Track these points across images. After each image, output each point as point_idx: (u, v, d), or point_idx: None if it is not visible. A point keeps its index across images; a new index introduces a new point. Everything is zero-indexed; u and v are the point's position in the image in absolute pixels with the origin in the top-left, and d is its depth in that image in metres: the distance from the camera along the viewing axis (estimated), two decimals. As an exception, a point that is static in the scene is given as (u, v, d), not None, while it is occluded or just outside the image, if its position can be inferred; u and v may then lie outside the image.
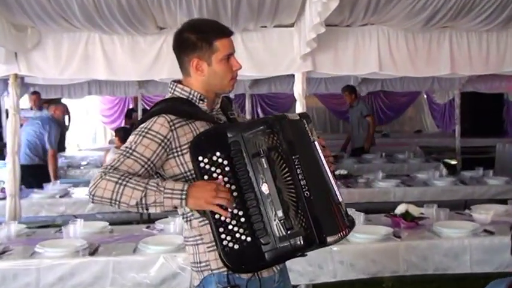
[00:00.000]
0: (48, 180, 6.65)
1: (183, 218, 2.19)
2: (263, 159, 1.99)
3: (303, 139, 2.13)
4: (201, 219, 2.11)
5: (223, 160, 2.02)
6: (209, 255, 2.11)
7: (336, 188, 2.12)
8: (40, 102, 8.64)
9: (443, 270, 3.72)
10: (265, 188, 1.98)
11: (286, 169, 2.01)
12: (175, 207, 2.01)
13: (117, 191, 1.93)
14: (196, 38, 2.15)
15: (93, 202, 1.99)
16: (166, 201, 1.94)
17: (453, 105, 11.14)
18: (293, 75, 5.15)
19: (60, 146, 11.57)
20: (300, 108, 5.02)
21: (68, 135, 12.89)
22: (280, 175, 2.00)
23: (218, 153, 2.02)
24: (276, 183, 1.99)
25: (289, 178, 2.00)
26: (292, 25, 5.00)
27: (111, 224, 4.33)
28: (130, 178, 1.95)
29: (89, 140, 15.33)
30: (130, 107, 13.86)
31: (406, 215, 4.03)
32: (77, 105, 13.39)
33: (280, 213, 1.97)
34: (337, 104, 15.17)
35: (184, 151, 2.08)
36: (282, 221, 1.96)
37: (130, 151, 2.03)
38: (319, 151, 2.15)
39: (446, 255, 3.72)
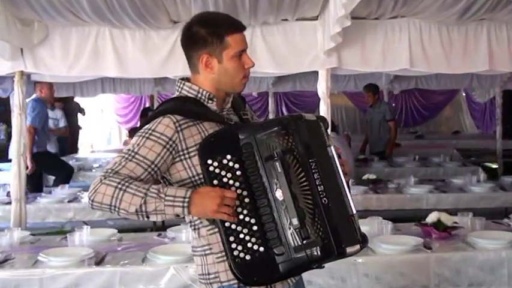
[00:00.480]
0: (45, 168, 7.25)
1: (190, 226, 2.17)
2: (277, 163, 1.96)
3: (320, 142, 2.09)
4: (209, 227, 2.09)
5: (234, 163, 2.00)
6: (218, 266, 2.09)
7: (350, 198, 2.09)
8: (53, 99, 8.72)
9: (478, 285, 3.63)
10: (279, 194, 1.95)
11: (303, 173, 1.97)
12: (178, 216, 1.97)
13: (116, 197, 1.91)
14: (207, 33, 2.12)
15: (92, 208, 1.97)
16: (167, 209, 1.92)
17: (494, 104, 11.02)
18: (317, 72, 5.10)
19: (73, 148, 11.75)
20: (324, 108, 4.98)
21: (81, 135, 13.04)
22: (296, 180, 1.96)
23: (229, 156, 2.00)
24: (291, 188, 1.95)
25: (305, 183, 1.97)
26: (315, 18, 4.96)
27: (122, 231, 4.33)
28: (130, 183, 1.93)
29: (103, 141, 15.50)
30: (147, 105, 13.92)
31: (438, 224, 3.95)
32: (91, 104, 13.54)
33: (295, 222, 1.93)
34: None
35: (192, 154, 2.06)
36: (297, 230, 1.93)
37: (133, 154, 2.01)
38: (335, 157, 2.11)
39: (481, 269, 3.63)
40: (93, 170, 8.25)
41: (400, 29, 5.02)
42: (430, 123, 16.52)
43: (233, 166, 1.99)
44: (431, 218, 4.03)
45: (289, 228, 1.94)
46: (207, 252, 2.11)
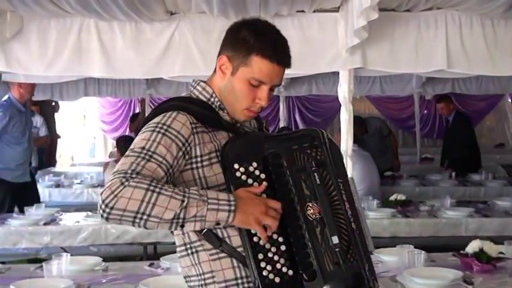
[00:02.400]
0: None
1: (184, 250, 2.12)
2: (315, 174, 2.02)
3: (341, 165, 2.18)
4: (213, 251, 2.06)
5: (260, 173, 2.02)
6: None
7: (368, 232, 2.16)
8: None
9: (527, 327, 3.60)
10: (311, 212, 2.00)
11: (335, 192, 2.04)
12: (218, 224, 1.93)
13: (148, 201, 1.82)
14: (243, 38, 2.11)
15: (108, 219, 1.84)
16: (210, 214, 1.89)
17: (546, 112, 10.98)
18: (338, 73, 5.09)
19: (51, 160, 11.75)
20: (346, 115, 4.98)
21: (60, 145, 13.03)
22: (330, 197, 2.03)
23: (255, 164, 2.03)
24: (329, 203, 2.01)
25: (337, 202, 2.03)
26: (336, 9, 4.99)
27: (107, 259, 4.30)
28: (163, 185, 1.87)
29: (85, 153, 15.51)
30: (137, 111, 13.97)
31: (481, 255, 3.91)
32: (72, 108, 13.58)
33: (335, 240, 1.98)
34: (397, 110, 15.06)
35: (205, 163, 2.06)
36: (337, 251, 1.98)
37: (150, 153, 1.94)
38: (355, 185, 2.21)
39: (532, 308, 3.59)
40: (74, 187, 8.24)
41: (435, 22, 5.03)
42: (468, 134, 16.47)
43: (259, 175, 2.02)
44: (473, 247, 3.99)
45: (323, 250, 1.97)
46: (208, 281, 2.08)
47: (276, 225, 1.95)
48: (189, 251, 2.11)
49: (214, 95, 2.16)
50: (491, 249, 3.93)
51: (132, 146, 1.99)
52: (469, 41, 5.01)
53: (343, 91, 5.02)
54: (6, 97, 6.81)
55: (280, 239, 1.99)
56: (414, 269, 3.82)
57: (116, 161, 7.04)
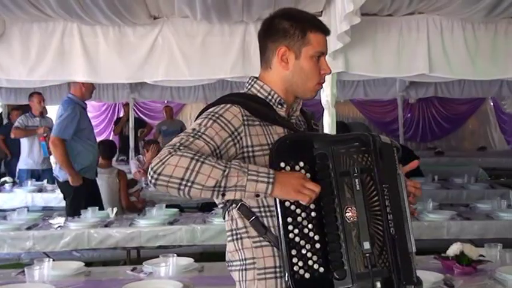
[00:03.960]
0: None
1: (231, 235, 2.25)
2: (356, 180, 2.08)
3: (392, 168, 2.22)
4: (257, 239, 2.17)
5: (306, 172, 2.09)
6: (259, 284, 2.17)
7: (412, 234, 2.19)
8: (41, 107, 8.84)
9: (508, 328, 3.62)
10: (349, 214, 2.07)
11: (376, 197, 2.10)
12: (258, 195, 2.03)
13: (193, 169, 1.95)
14: (290, 25, 2.26)
15: (155, 185, 1.98)
16: (249, 184, 1.99)
17: (528, 115, 11.06)
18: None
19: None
20: (328, 119, 4.98)
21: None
22: (370, 202, 2.09)
23: (302, 163, 2.10)
24: (366, 210, 2.08)
25: (377, 208, 2.10)
26: (319, 14, 4.98)
27: (90, 264, 4.28)
28: (206, 156, 2.00)
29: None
30: (121, 115, 13.92)
31: (462, 258, 3.92)
32: (55, 112, 13.46)
33: (366, 245, 2.05)
34: (380, 114, 15.12)
35: (257, 153, 2.17)
36: (367, 255, 2.04)
37: (199, 133, 2.08)
38: (404, 187, 2.23)
39: (513, 310, 3.61)
40: (57, 192, 8.18)
41: (417, 27, 5.05)
42: (451, 137, 16.57)
43: (304, 175, 2.08)
44: (453, 250, 4.00)
45: (355, 253, 2.05)
46: (249, 266, 2.19)
47: (312, 197, 2.02)
48: (235, 237, 2.23)
49: (272, 92, 2.29)
50: (472, 251, 3.94)
51: (187, 129, 2.16)
52: (451, 46, 5.03)
53: (326, 95, 5.02)
54: (66, 97, 6.59)
55: (316, 237, 2.06)
56: None
57: (99, 166, 6.98)
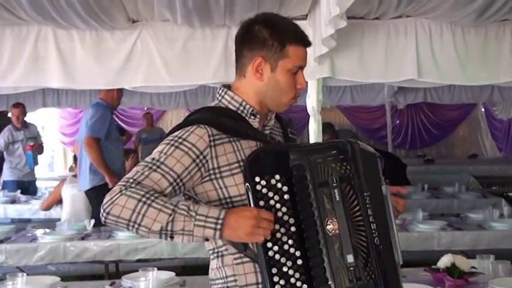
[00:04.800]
0: None
1: (212, 253, 2.25)
2: (335, 191, 2.06)
3: (374, 177, 2.21)
4: (237, 255, 2.17)
5: (282, 185, 2.08)
6: None
7: (398, 245, 2.18)
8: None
9: None
10: (331, 227, 2.05)
11: (358, 207, 2.09)
12: (207, 240, 2.05)
13: (139, 212, 1.98)
14: (269, 34, 2.21)
15: (105, 223, 2.03)
16: (196, 230, 2.00)
17: (520, 122, 11.13)
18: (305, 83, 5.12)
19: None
20: (314, 126, 4.99)
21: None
22: (351, 213, 2.07)
23: (278, 177, 2.08)
24: (347, 221, 2.05)
25: (359, 218, 2.08)
26: (304, 17, 5.01)
27: (66, 279, 4.25)
28: (156, 197, 2.01)
29: (43, 166, 15.30)
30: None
31: (453, 270, 3.92)
32: (29, 120, 13.39)
33: (350, 259, 2.03)
34: (368, 120, 15.15)
35: (224, 174, 2.15)
36: (352, 269, 2.03)
37: (158, 163, 2.09)
38: (389, 197, 2.20)
39: (505, 324, 3.62)
40: (32, 202, 8.14)
41: (405, 31, 5.08)
42: (441, 144, 16.60)
43: (281, 188, 2.08)
44: (444, 262, 4.00)
45: (339, 267, 2.04)
46: (231, 284, 2.19)
47: (267, 235, 2.01)
48: (216, 255, 2.23)
49: (244, 103, 2.26)
50: (464, 263, 3.95)
51: (147, 157, 2.15)
52: (440, 50, 5.06)
53: (312, 101, 5.04)
54: (96, 102, 6.65)
55: (297, 253, 2.05)
56: None
57: (74, 176, 6.97)
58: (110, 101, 6.47)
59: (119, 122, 13.62)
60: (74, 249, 5.30)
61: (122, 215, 1.99)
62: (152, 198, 1.99)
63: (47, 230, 5.80)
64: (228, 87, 2.32)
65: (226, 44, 4.97)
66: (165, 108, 13.21)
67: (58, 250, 5.29)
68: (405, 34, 5.05)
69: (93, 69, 4.96)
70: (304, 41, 2.26)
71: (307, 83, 5.15)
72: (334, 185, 2.06)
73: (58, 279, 4.13)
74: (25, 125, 8.90)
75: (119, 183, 2.04)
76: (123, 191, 2.00)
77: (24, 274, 3.92)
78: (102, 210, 2.00)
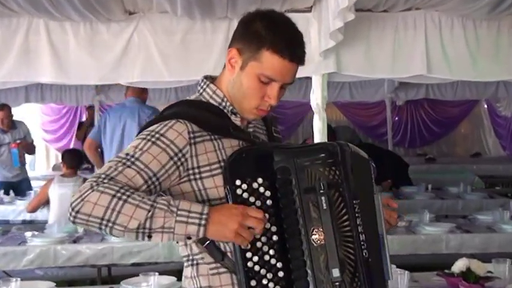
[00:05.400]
0: None
1: (187, 260, 2.18)
2: (323, 198, 2.01)
3: (365, 184, 2.17)
4: (213, 265, 2.10)
5: (265, 190, 2.03)
6: None
7: (388, 259, 2.13)
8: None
9: None
10: (316, 237, 2.00)
11: (346, 216, 2.03)
12: (189, 238, 1.98)
13: (114, 208, 1.88)
14: (254, 30, 2.12)
15: (74, 222, 1.92)
16: (178, 226, 1.91)
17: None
18: (308, 78, 5.12)
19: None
20: (319, 123, 4.99)
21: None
22: (338, 222, 2.02)
23: (260, 180, 2.03)
24: (334, 232, 2.00)
25: (347, 228, 2.03)
26: (309, 10, 5.01)
27: (56, 284, 4.23)
28: (132, 192, 1.92)
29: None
30: (83, 119, 13.80)
31: (468, 275, 3.94)
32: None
33: (336, 273, 1.98)
34: (366, 117, 15.16)
35: (204, 174, 2.09)
36: (337, 284, 1.98)
37: (132, 159, 2.00)
38: (380, 207, 2.16)
39: (524, 331, 3.65)
40: (16, 203, 8.09)
41: (414, 24, 5.08)
42: (442, 142, 16.58)
43: (263, 193, 2.03)
44: (459, 266, 4.00)
45: (324, 281, 1.98)
46: None
47: (256, 233, 1.95)
48: (190, 263, 2.16)
49: (225, 99, 2.19)
50: (479, 268, 3.95)
51: (120, 153, 2.05)
52: (450, 44, 5.06)
53: (317, 98, 5.04)
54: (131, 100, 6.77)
55: (279, 264, 1.99)
56: None
57: (63, 176, 6.96)
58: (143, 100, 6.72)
59: (105, 119, 13.56)
60: (66, 253, 5.29)
61: (94, 213, 1.88)
62: (128, 193, 1.90)
63: (36, 233, 5.77)
64: (211, 78, 2.25)
65: (227, 37, 4.94)
66: (154, 104, 13.00)
67: (48, 253, 5.27)
68: (414, 27, 5.06)
69: (87, 64, 4.94)
70: (288, 55, 2.09)
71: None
72: (322, 191, 2.00)
73: (53, 284, 4.12)
74: (13, 126, 8.75)
75: (89, 180, 1.94)
76: (95, 187, 1.90)
77: (18, 279, 3.92)
78: (70, 210, 1.90)
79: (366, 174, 2.16)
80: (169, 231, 1.90)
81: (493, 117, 16.05)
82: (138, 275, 4.07)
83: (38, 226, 6.43)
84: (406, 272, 3.99)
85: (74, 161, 7.11)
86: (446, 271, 4.11)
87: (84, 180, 6.89)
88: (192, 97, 2.23)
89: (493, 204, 7.63)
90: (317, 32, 4.89)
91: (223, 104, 2.18)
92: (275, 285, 1.98)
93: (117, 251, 5.28)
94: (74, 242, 5.45)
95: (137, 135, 2.11)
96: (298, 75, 5.20)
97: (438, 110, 15.89)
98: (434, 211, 7.17)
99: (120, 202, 1.88)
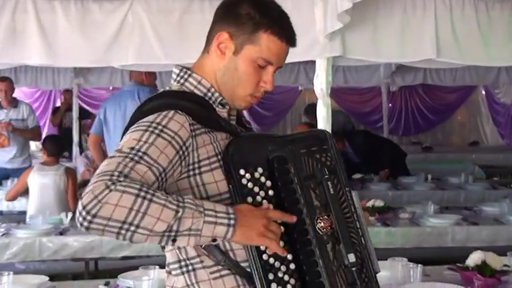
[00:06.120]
0: None
1: (178, 268, 2.10)
2: (329, 183, 2.05)
3: (345, 173, 2.19)
4: (214, 268, 2.05)
5: (266, 180, 2.04)
6: None
7: (373, 250, 2.18)
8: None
9: None
10: (321, 225, 2.03)
11: (346, 203, 2.09)
12: (214, 240, 1.92)
13: (138, 209, 1.77)
14: (247, 12, 2.11)
15: (88, 229, 1.78)
16: (206, 228, 1.86)
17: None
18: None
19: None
20: (323, 110, 4.99)
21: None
22: (342, 208, 2.08)
23: (260, 169, 2.04)
24: (343, 217, 2.06)
25: (348, 215, 2.08)
26: (312, -10, 4.98)
27: (53, 278, 4.24)
28: (154, 190, 1.82)
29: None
30: (57, 104, 13.75)
31: (484, 268, 3.97)
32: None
33: (352, 258, 2.02)
34: (358, 103, 15.20)
35: (203, 169, 2.04)
36: (354, 270, 2.03)
37: (140, 153, 1.90)
38: (358, 200, 2.20)
39: (543, 326, 3.69)
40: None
41: (423, 4, 5.07)
42: (437, 130, 16.70)
43: (265, 183, 2.04)
44: (474, 259, 4.03)
45: (334, 269, 2.01)
46: None
47: (277, 238, 1.96)
48: (185, 269, 2.08)
49: (212, 89, 2.15)
50: (495, 261, 3.98)
51: (119, 147, 1.95)
52: (461, 27, 5.05)
53: (321, 83, 5.01)
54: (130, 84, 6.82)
55: (289, 257, 2.00)
56: (411, 286, 3.85)
57: (43, 164, 6.93)
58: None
59: (82, 104, 13.54)
60: (52, 246, 5.29)
61: (115, 215, 1.76)
62: (151, 191, 1.80)
63: (17, 224, 5.75)
64: (187, 69, 2.20)
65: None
66: None
67: (33, 246, 5.27)
68: (423, 8, 5.04)
69: (78, 45, 4.90)
70: (285, 36, 2.12)
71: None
72: (326, 177, 2.05)
73: (46, 278, 4.13)
74: (14, 104, 8.53)
75: (100, 178, 1.80)
76: (111, 186, 1.77)
77: (11, 273, 3.92)
78: (83, 213, 1.76)
79: (343, 163, 2.19)
80: (196, 234, 1.85)
81: (491, 104, 16.14)
82: (127, 269, 4.10)
83: (20, 217, 6.43)
84: (419, 265, 4.01)
85: (56, 148, 7.09)
86: (458, 264, 4.14)
87: (67, 169, 6.89)
88: (172, 88, 2.18)
89: (495, 196, 7.70)
90: (322, 13, 4.85)
91: (209, 94, 2.15)
92: (290, 277, 1.98)
93: (107, 243, 5.28)
94: (61, 234, 5.44)
95: (129, 125, 2.05)
96: (302, 59, 5.27)
97: (434, 97, 15.97)
98: (435, 202, 7.14)
99: (146, 202, 1.78)
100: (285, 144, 2.08)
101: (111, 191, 1.77)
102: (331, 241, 2.02)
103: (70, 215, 5.80)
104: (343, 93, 14.96)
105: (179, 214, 1.81)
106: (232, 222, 1.88)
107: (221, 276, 2.04)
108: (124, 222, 1.77)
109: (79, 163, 8.69)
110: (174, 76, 2.21)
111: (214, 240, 1.90)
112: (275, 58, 2.13)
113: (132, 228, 1.77)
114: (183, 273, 2.09)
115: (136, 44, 4.88)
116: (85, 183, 7.47)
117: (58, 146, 7.21)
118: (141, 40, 4.97)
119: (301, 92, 13.91)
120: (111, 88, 12.92)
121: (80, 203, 1.78)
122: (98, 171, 1.86)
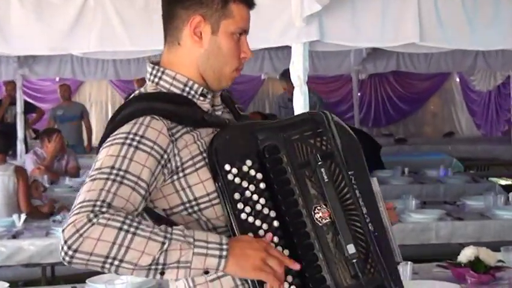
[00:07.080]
0: None
1: None
2: (322, 170, 2.06)
3: (356, 157, 2.20)
4: None
5: (256, 173, 2.05)
6: None
7: (395, 242, 2.20)
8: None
9: None
10: (319, 215, 2.04)
11: (346, 188, 2.09)
12: (207, 273, 1.91)
13: (121, 243, 1.80)
14: None
15: (70, 263, 1.82)
16: (196, 260, 1.86)
17: (503, 94, 11.26)
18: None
19: None
20: (300, 98, 5.01)
21: None
22: (341, 195, 2.08)
23: (249, 162, 2.06)
24: (340, 205, 2.06)
25: (350, 201, 2.08)
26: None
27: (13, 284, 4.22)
28: (139, 222, 1.85)
29: None
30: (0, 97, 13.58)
31: (477, 264, 4.02)
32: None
33: (352, 249, 2.03)
34: (325, 93, 15.23)
35: (187, 171, 2.06)
36: (354, 262, 2.03)
37: (121, 173, 1.92)
38: (378, 189, 2.22)
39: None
40: None
41: (405, -15, 5.09)
42: (409, 121, 16.80)
43: (255, 176, 2.05)
44: (467, 255, 4.05)
45: (336, 262, 2.02)
46: None
47: (281, 271, 1.94)
48: None
49: (190, 82, 2.17)
50: (489, 257, 4.01)
51: (97, 165, 1.96)
52: (445, 9, 5.10)
53: (297, 69, 5.05)
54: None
55: (286, 252, 2.01)
56: (407, 284, 3.86)
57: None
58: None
59: (26, 98, 13.40)
60: (5, 250, 5.22)
61: (97, 250, 1.79)
62: (135, 224, 1.83)
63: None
64: (156, 64, 2.21)
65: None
66: (90, 78, 12.53)
67: (-17, 251, 5.20)
68: (405, -13, 5.08)
69: (33, 31, 4.86)
70: (250, 1, 2.20)
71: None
72: (319, 163, 2.06)
73: (6, 285, 4.10)
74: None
75: (82, 210, 1.83)
76: (93, 219, 1.80)
77: (-31, 280, 3.90)
78: (65, 248, 1.79)
79: (352, 144, 2.21)
80: (185, 266, 1.86)
81: (466, 92, 16.29)
82: (88, 275, 4.03)
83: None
84: (409, 262, 4.04)
85: (3, 145, 7.00)
86: (449, 261, 4.18)
87: (17, 168, 6.81)
88: (148, 89, 2.20)
89: (476, 189, 7.76)
90: (297, -6, 4.89)
91: (188, 88, 2.17)
92: (286, 275, 1.98)
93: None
94: (14, 237, 5.38)
95: (104, 137, 2.06)
96: (276, 44, 5.30)
97: (405, 85, 16.03)
98: (414, 197, 7.22)
99: (129, 235, 1.81)
100: (276, 131, 2.10)
101: (93, 224, 1.80)
102: (332, 231, 2.03)
103: (23, 216, 5.74)
104: (313, 81, 14.99)
105: (165, 246, 1.83)
106: (224, 253, 1.88)
107: (218, 277, 2.06)
108: (107, 257, 1.80)
109: (27, 161, 8.58)
110: (147, 75, 2.22)
111: (206, 272, 1.91)
112: (247, 24, 2.19)
113: (116, 262, 1.81)
114: (178, 279, 2.11)
115: (98, 29, 4.85)
116: (36, 183, 7.41)
117: (5, 143, 7.11)
118: (104, 25, 4.94)
119: (265, 81, 13.94)
120: (57, 79, 12.79)
121: (61, 236, 1.82)
122: (79, 198, 1.89)
